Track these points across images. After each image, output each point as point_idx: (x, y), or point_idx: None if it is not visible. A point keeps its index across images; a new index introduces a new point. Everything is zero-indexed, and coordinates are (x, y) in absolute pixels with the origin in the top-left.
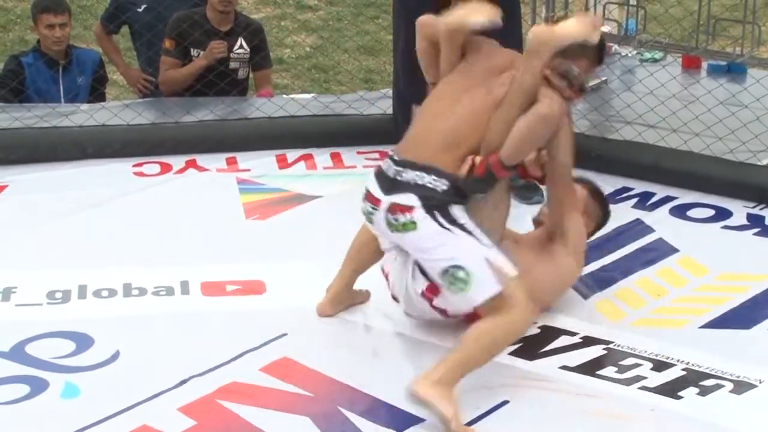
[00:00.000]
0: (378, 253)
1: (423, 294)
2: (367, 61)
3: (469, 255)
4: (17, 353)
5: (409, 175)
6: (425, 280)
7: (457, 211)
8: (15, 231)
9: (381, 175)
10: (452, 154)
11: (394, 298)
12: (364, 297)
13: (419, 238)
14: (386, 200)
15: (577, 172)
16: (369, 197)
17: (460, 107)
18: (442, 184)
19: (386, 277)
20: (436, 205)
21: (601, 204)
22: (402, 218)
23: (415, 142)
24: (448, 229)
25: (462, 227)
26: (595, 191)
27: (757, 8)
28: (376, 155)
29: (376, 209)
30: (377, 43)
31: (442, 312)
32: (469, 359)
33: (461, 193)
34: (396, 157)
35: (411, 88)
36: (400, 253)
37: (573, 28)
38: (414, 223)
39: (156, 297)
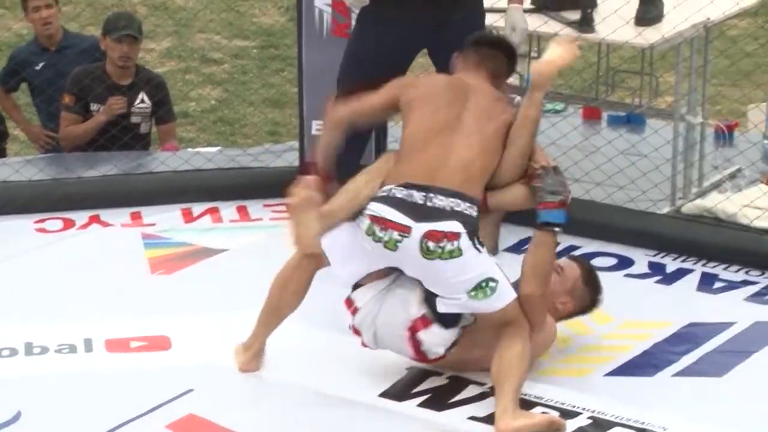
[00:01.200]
0: (295, 302)
1: (412, 324)
2: (273, 114)
3: (492, 267)
4: None
5: (444, 202)
6: (422, 309)
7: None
8: None
9: (402, 203)
10: (476, 180)
11: (356, 331)
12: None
13: (463, 265)
14: (420, 227)
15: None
16: (392, 225)
17: (467, 135)
18: (474, 210)
19: (353, 311)
20: (472, 231)
21: (592, 291)
22: (448, 246)
23: (433, 169)
24: (482, 251)
25: (483, 245)
26: (590, 276)
27: (654, 60)
28: (283, 207)
29: (405, 236)
30: (283, 96)
31: (416, 346)
32: (519, 379)
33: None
34: (414, 183)
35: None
36: (400, 283)
37: (563, 54)
38: (461, 250)
39: (59, 355)
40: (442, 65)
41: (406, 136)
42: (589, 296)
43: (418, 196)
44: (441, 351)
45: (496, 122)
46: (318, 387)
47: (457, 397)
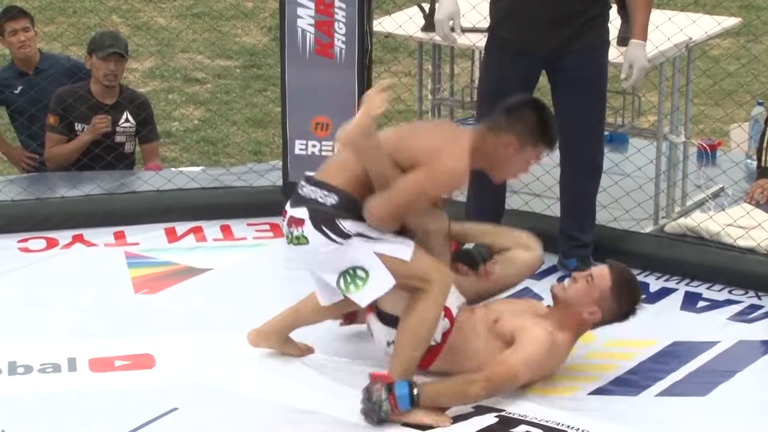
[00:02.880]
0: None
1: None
2: (256, 134)
3: (362, 254)
4: None
5: (306, 190)
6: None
7: (347, 224)
8: None
9: (295, 191)
10: (344, 172)
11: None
12: (298, 350)
13: (310, 253)
14: (288, 213)
15: None
16: (283, 212)
17: None
18: (331, 199)
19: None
20: (323, 219)
21: (624, 302)
22: (295, 232)
23: (324, 165)
24: (338, 242)
25: (349, 237)
26: (622, 287)
27: None
28: (267, 227)
29: (283, 221)
30: (266, 116)
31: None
32: (408, 358)
33: (352, 206)
34: (309, 173)
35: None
36: None
37: (367, 109)
38: (305, 237)
39: (42, 374)
40: (562, 94)
41: None
42: (618, 307)
43: (299, 185)
44: (367, 303)
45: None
46: (304, 405)
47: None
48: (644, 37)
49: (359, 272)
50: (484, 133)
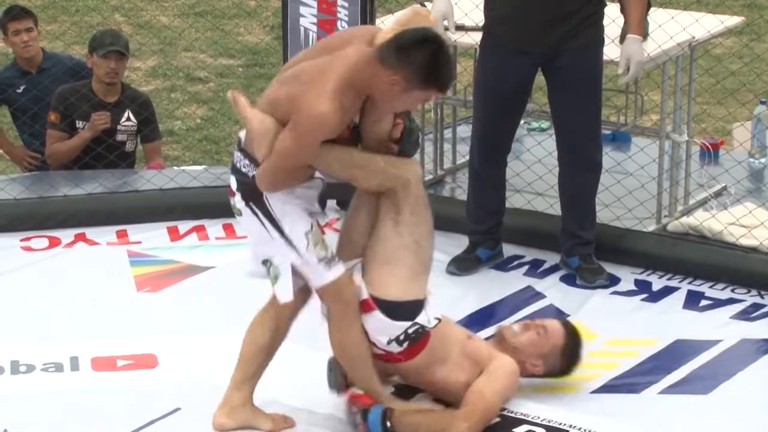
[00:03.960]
0: (271, 354)
1: None
2: None
3: (279, 257)
4: None
5: (236, 156)
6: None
7: (272, 200)
8: None
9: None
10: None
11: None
12: (272, 425)
13: (245, 226)
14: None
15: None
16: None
17: (272, 91)
18: (252, 170)
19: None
20: (249, 192)
21: (567, 363)
22: (231, 201)
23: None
24: (264, 225)
25: (274, 222)
26: (571, 349)
27: (639, 79)
28: None
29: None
30: None
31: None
32: (360, 380)
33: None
34: (239, 135)
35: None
36: None
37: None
38: (239, 210)
39: (45, 374)
40: (558, 93)
41: None
42: (560, 366)
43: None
44: (383, 340)
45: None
46: (304, 405)
47: None
48: (640, 32)
49: (272, 270)
50: (368, 63)
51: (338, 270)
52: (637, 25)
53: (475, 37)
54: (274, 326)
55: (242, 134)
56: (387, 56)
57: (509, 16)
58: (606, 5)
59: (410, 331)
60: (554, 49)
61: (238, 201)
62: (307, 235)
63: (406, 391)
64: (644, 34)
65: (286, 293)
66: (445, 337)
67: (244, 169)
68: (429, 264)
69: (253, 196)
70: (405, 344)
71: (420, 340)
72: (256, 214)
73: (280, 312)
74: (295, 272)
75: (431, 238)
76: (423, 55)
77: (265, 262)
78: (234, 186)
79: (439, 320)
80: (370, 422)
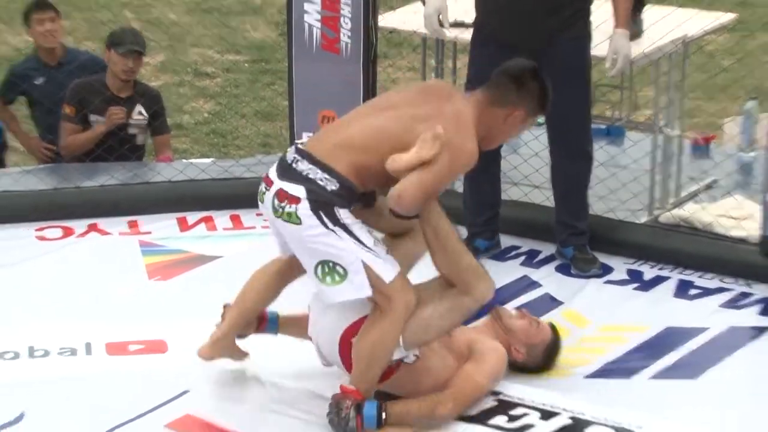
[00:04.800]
0: (263, 300)
1: (344, 333)
2: (264, 126)
3: (347, 254)
4: None
5: (304, 166)
6: (359, 312)
7: (343, 213)
8: None
9: (282, 160)
10: (347, 156)
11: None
12: (241, 355)
13: (300, 233)
14: (278, 184)
15: None
16: (266, 177)
17: (369, 120)
18: (332, 184)
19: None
20: (322, 203)
21: (545, 360)
22: (288, 208)
23: (320, 138)
24: (332, 230)
25: (345, 228)
26: (553, 349)
27: (633, 75)
28: None
29: (268, 189)
30: (274, 109)
31: (346, 359)
32: (367, 376)
33: (350, 196)
34: (299, 146)
35: None
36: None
37: (419, 152)
38: (299, 218)
39: (60, 358)
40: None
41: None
42: (537, 361)
43: (291, 157)
44: (335, 301)
45: (412, 125)
46: (312, 387)
47: None
48: (627, 26)
49: (338, 269)
50: (486, 106)
51: (398, 267)
52: (623, 20)
53: None
54: (276, 286)
55: (309, 147)
56: (506, 94)
57: (500, 11)
58: (593, 1)
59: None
60: (544, 42)
61: (302, 210)
62: (371, 232)
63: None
64: (638, 31)
65: (360, 289)
66: (422, 351)
67: (321, 182)
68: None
69: (325, 207)
70: None
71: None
72: (323, 222)
73: (289, 273)
74: (366, 267)
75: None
76: (535, 84)
77: (324, 264)
78: (301, 194)
79: (417, 357)
80: (366, 415)
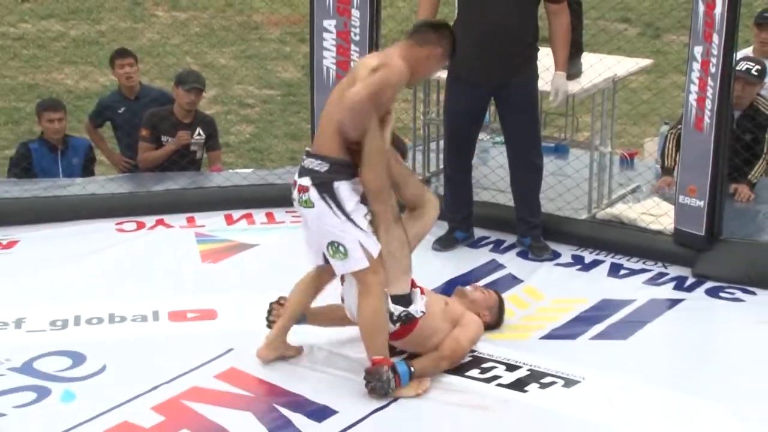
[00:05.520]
0: (302, 303)
1: None
2: (292, 144)
3: (348, 236)
4: (27, 368)
5: (306, 162)
6: None
7: (343, 191)
8: (25, 275)
9: (300, 165)
10: (330, 141)
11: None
12: (295, 351)
13: (317, 215)
14: (297, 183)
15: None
16: (294, 181)
17: (333, 105)
18: (323, 166)
19: (342, 300)
20: (323, 185)
21: (500, 316)
22: (304, 196)
23: (315, 137)
24: (336, 214)
25: (345, 213)
26: (501, 305)
27: (575, 105)
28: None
29: (293, 189)
30: (299, 131)
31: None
32: (378, 344)
33: (344, 170)
34: (308, 148)
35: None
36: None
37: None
38: (312, 202)
39: (134, 323)
40: (506, 116)
41: None
42: (496, 318)
43: (302, 160)
44: (342, 272)
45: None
46: (339, 351)
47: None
48: (565, 69)
49: (341, 248)
50: (411, 47)
51: (379, 245)
52: (562, 64)
53: None
54: (313, 291)
55: (310, 147)
56: (426, 36)
57: (467, 58)
58: (539, 50)
59: (402, 315)
60: (501, 83)
61: (312, 194)
62: (366, 216)
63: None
64: (579, 72)
65: (361, 261)
66: (431, 317)
67: (316, 168)
68: (409, 267)
69: (325, 186)
70: (397, 325)
71: (409, 324)
72: (328, 204)
73: (320, 280)
74: (362, 246)
75: (406, 249)
76: (448, 32)
77: (332, 244)
78: (308, 183)
79: (424, 313)
80: (401, 372)
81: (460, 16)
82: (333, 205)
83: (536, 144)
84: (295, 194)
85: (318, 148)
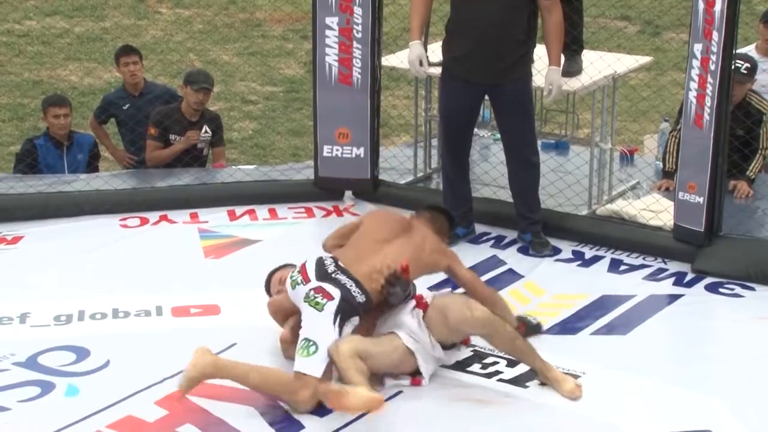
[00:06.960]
0: None
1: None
2: (294, 141)
3: (325, 345)
4: (31, 363)
5: (343, 279)
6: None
7: (353, 323)
8: (29, 270)
9: (320, 264)
10: (376, 283)
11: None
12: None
13: (317, 317)
14: (315, 283)
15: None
16: (303, 273)
17: (390, 252)
18: (362, 299)
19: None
20: (348, 308)
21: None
22: (320, 300)
23: (353, 260)
24: (334, 330)
25: (340, 334)
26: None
27: (576, 102)
28: (302, 210)
29: (303, 283)
30: (302, 128)
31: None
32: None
33: (369, 310)
34: (339, 263)
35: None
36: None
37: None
38: (323, 308)
39: (137, 318)
40: (501, 114)
41: (357, 234)
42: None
43: (331, 268)
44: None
45: (419, 257)
46: None
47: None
48: (559, 64)
49: (312, 348)
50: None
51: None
52: (556, 59)
53: None
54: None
55: (346, 264)
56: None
57: (462, 57)
58: (535, 46)
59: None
60: (496, 81)
61: (330, 307)
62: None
63: None
64: (579, 69)
65: (317, 370)
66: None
67: (353, 294)
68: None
69: (348, 316)
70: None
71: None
72: (334, 321)
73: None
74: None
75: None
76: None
77: (308, 341)
78: (336, 296)
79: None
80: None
81: (453, 13)
82: (337, 324)
83: (531, 141)
84: (303, 288)
85: (362, 274)
